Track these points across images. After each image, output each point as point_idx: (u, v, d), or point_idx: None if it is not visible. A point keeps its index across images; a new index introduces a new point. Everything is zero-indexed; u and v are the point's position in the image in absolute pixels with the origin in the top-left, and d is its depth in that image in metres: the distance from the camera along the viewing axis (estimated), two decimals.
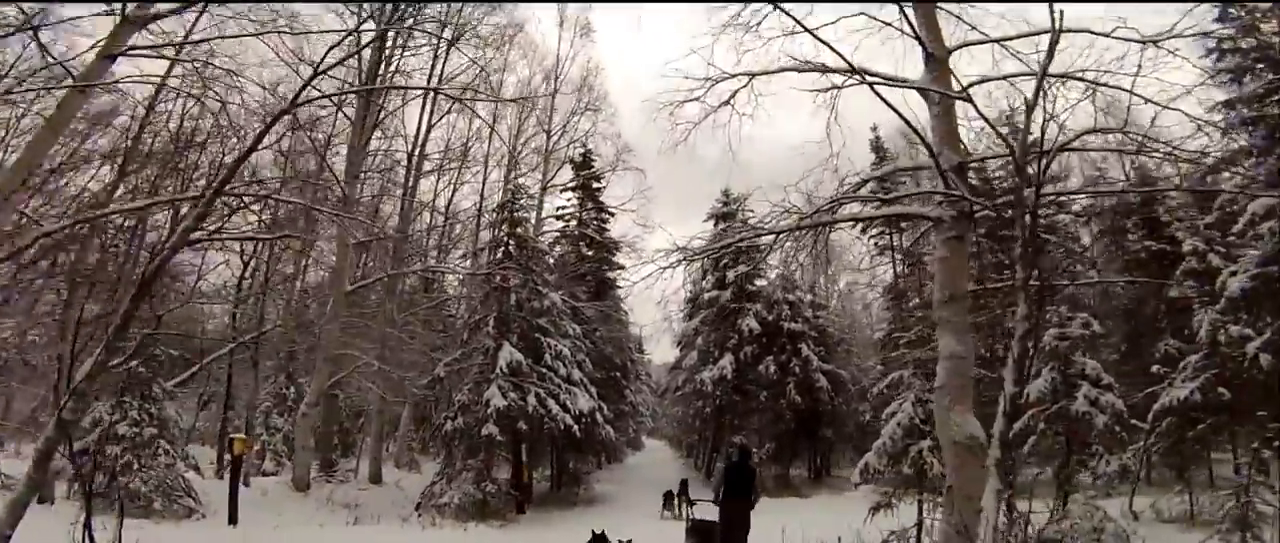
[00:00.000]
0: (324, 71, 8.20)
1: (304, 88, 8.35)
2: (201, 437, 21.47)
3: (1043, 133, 6.34)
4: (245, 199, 12.26)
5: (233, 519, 11.91)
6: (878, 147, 22.21)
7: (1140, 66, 6.65)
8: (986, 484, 5.02)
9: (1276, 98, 11.04)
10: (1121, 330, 16.10)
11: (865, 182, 7.47)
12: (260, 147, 8.72)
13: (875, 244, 23.07)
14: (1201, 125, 6.98)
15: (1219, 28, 10.50)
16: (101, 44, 7.67)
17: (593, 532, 8.58)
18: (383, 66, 16.96)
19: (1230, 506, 7.26)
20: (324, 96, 10.44)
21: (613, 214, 23.71)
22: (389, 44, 16.55)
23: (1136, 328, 16.01)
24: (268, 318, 18.15)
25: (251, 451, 14.66)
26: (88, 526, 7.27)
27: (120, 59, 7.77)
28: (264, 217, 16.14)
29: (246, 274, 16.44)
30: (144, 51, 8.13)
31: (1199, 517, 9.54)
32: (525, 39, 23.28)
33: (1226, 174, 10.62)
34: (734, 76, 7.48)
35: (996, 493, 4.90)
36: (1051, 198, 8.49)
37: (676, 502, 15.30)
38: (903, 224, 22.29)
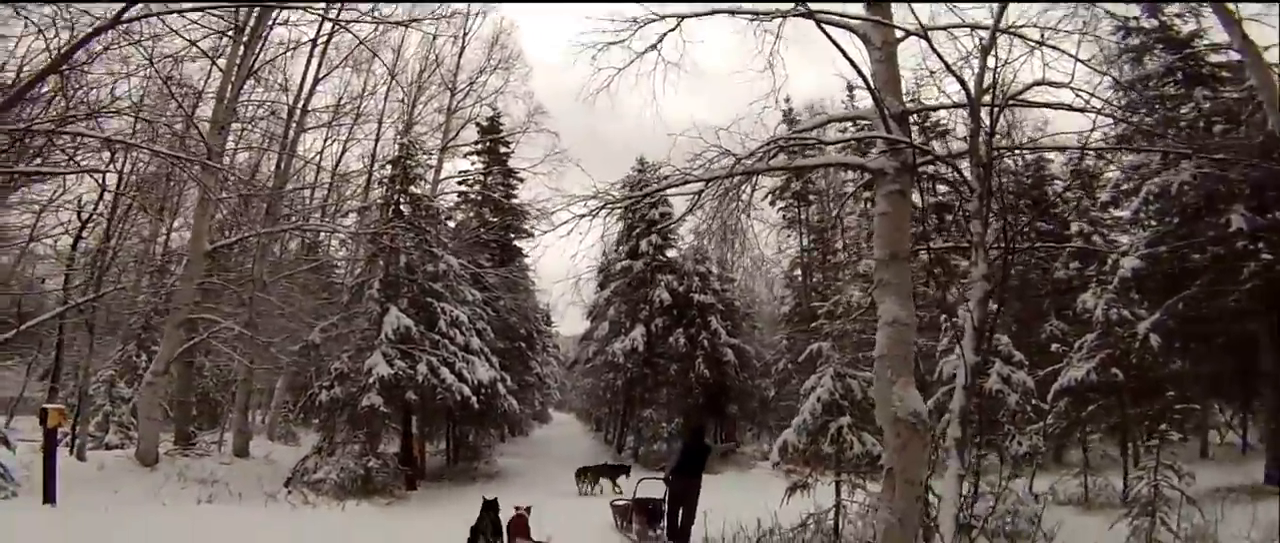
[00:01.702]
0: None
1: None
2: (33, 409, 18.75)
3: (995, 84, 5.93)
4: (78, 141, 10.34)
5: (49, 497, 10.07)
6: (788, 118, 21.99)
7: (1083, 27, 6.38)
8: (940, 466, 4.48)
9: (1174, 78, 11.38)
10: (1012, 310, 16.58)
11: (799, 132, 6.82)
12: (72, 70, 7.02)
13: (783, 217, 23.01)
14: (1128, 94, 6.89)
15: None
16: None
17: (484, 499, 8.04)
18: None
19: (1140, 487, 7.19)
20: (162, 13, 8.64)
21: (521, 180, 22.42)
22: None
23: (1025, 307, 16.54)
24: (108, 280, 15.77)
25: (66, 421, 12.64)
26: None
27: None
28: (110, 169, 13.86)
29: (82, 233, 14.04)
30: None
31: (1095, 500, 9.68)
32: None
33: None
34: (663, 18, 6.66)
35: (958, 478, 4.37)
36: (1006, 150, 8.17)
37: (591, 477, 14.86)
38: (810, 198, 22.46)
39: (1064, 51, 5.97)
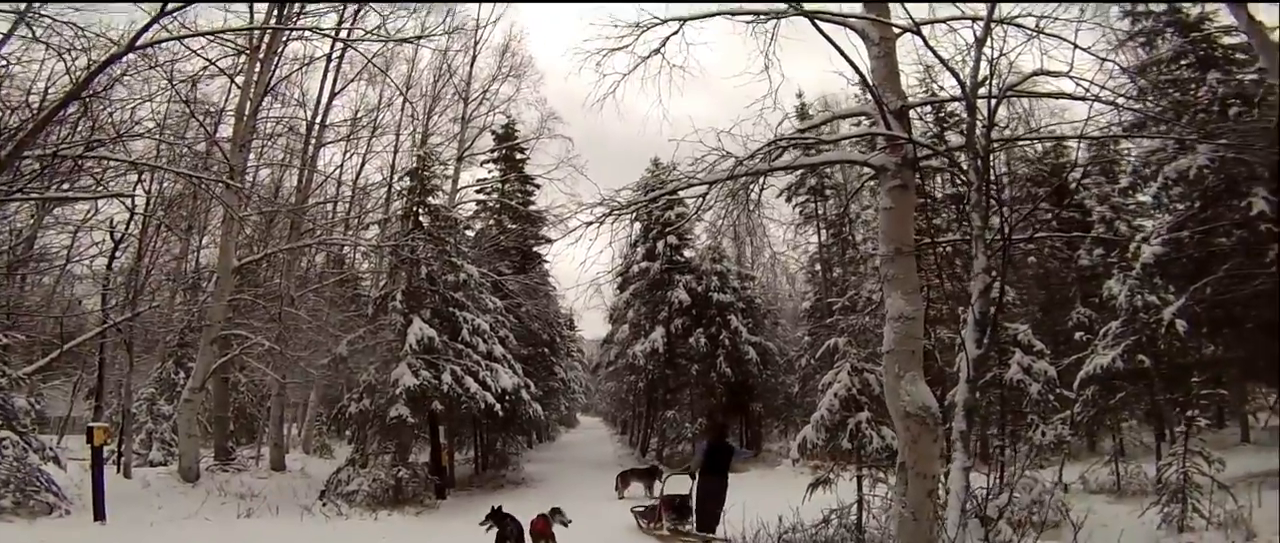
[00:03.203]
0: (173, 10, 6.91)
1: (152, 23, 7.03)
2: (80, 428, 19.38)
3: (991, 75, 5.94)
4: (105, 165, 10.72)
5: (99, 515, 10.48)
6: (802, 113, 21.95)
7: (1082, 15, 6.32)
8: (945, 459, 4.50)
9: (1186, 62, 11.16)
10: (1037, 299, 16.37)
11: (803, 130, 6.87)
12: (94, 97, 7.32)
13: (800, 212, 22.95)
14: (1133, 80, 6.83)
15: None
16: None
17: (491, 508, 8.13)
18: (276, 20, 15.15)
19: (1169, 475, 7.09)
20: (179, 37, 8.94)
21: (537, 186, 22.65)
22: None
23: (1049, 296, 16.32)
24: (144, 299, 16.29)
25: (112, 439, 13.05)
26: None
27: None
28: (139, 189, 14.34)
29: (116, 253, 14.52)
30: None
31: (1127, 487, 9.55)
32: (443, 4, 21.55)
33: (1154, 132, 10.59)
34: (664, 22, 6.76)
35: (964, 470, 4.39)
36: (1004, 142, 8.14)
37: (626, 481, 14.73)
38: (827, 193, 22.36)
39: (1063, 39, 5.94)
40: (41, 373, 14.19)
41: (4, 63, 9.78)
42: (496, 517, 7.98)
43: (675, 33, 6.69)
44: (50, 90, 8.67)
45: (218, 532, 10.55)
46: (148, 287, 17.18)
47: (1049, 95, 6.18)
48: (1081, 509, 7.87)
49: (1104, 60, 6.10)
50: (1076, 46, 5.83)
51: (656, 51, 6.80)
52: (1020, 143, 9.69)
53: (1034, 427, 9.28)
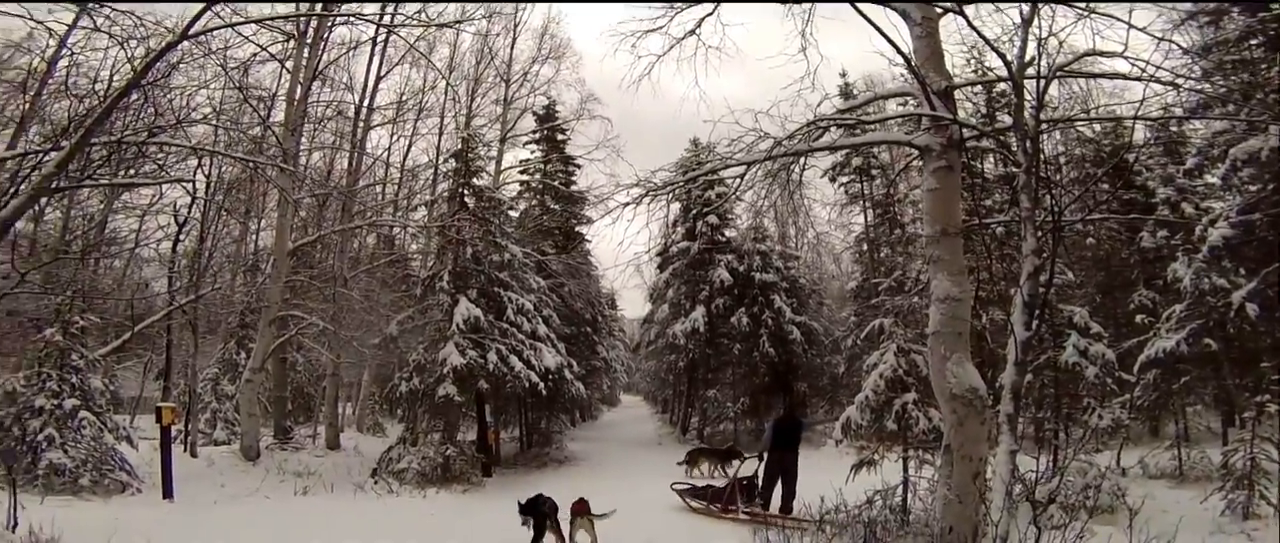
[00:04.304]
0: None
1: (204, 11, 7.25)
2: (151, 408, 20.42)
3: (1039, 56, 5.70)
4: (166, 150, 11.15)
5: (167, 493, 11.08)
6: (846, 92, 21.43)
7: None
8: (993, 442, 4.40)
9: (1255, 41, 10.50)
10: (1095, 280, 15.80)
11: (845, 110, 6.71)
12: (153, 85, 7.60)
13: (845, 192, 22.51)
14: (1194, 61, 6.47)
15: None
16: None
17: (519, 503, 8.09)
18: (319, 8, 15.48)
19: (1235, 460, 6.81)
20: (230, 24, 9.19)
21: (579, 166, 22.75)
22: None
23: (1110, 278, 15.74)
24: (206, 281, 17.02)
25: (179, 419, 13.70)
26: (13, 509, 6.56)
27: None
28: (200, 174, 14.93)
29: (180, 236, 15.17)
30: None
31: (1190, 473, 9.21)
32: None
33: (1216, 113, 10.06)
34: (699, 2, 6.69)
35: (1010, 453, 4.29)
36: (1053, 123, 7.82)
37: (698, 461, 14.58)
38: (873, 173, 21.86)
39: (1117, 19, 5.65)
40: (115, 355, 15.03)
41: (69, 53, 10.26)
42: (529, 508, 7.97)
43: (710, 13, 6.65)
44: (113, 79, 9.03)
45: (276, 509, 11.03)
46: (210, 269, 17.95)
47: (1102, 76, 5.90)
48: (1140, 494, 7.64)
49: (1161, 40, 5.78)
50: (1131, 26, 5.56)
51: (692, 32, 6.76)
52: (1074, 124, 9.25)
53: (1090, 410, 9.00)
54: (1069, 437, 8.92)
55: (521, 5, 21.65)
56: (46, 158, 6.76)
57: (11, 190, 6.76)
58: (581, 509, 8.01)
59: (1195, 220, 11.33)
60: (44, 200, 11.39)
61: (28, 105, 10.94)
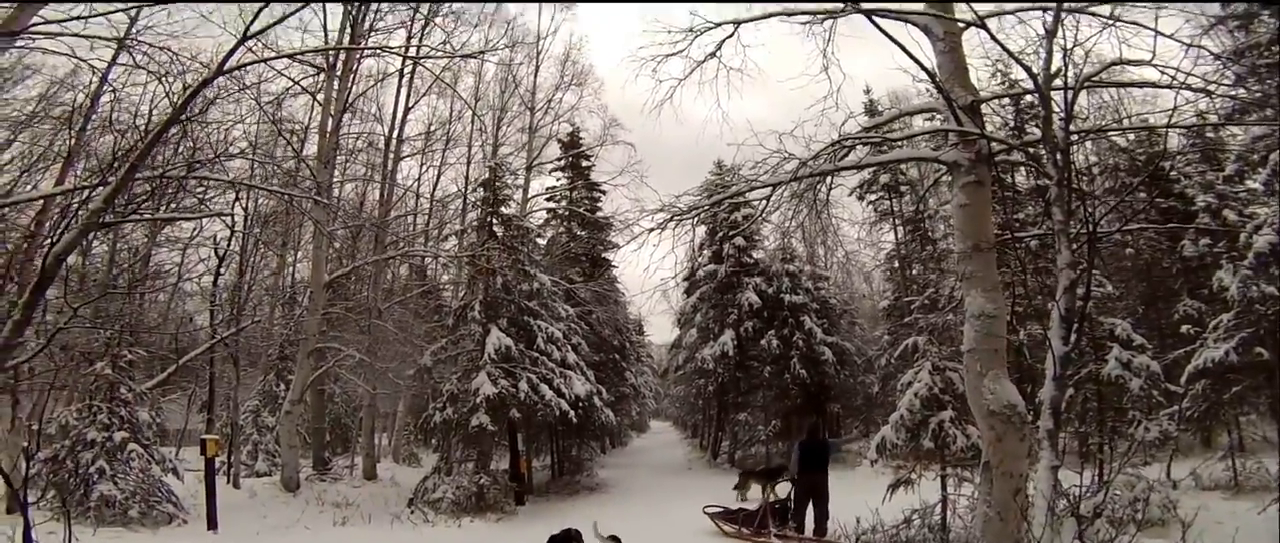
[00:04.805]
0: (256, 34, 7.44)
1: (237, 47, 7.57)
2: (195, 440, 20.84)
3: (1066, 67, 5.67)
4: (206, 185, 11.56)
5: (212, 525, 11.30)
6: (871, 109, 21.41)
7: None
8: (1033, 458, 4.33)
9: None
10: (1137, 291, 15.43)
11: (870, 128, 6.74)
12: (190, 120, 7.91)
13: (874, 210, 22.36)
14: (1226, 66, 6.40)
15: None
16: None
17: (551, 537, 7.73)
18: (347, 41, 16.06)
19: None
20: (262, 60, 9.56)
21: (604, 192, 22.98)
22: (354, 19, 15.57)
23: (1152, 288, 15.37)
24: (246, 314, 17.47)
25: (222, 450, 13.94)
26: (27, 537, 6.71)
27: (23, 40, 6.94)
28: (237, 207, 15.44)
29: (221, 270, 15.63)
30: (51, 30, 7.21)
31: (1245, 483, 8.89)
32: (503, 16, 22.28)
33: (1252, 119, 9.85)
34: (719, 25, 6.81)
35: (1051, 469, 4.22)
36: (1083, 135, 7.75)
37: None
38: (902, 189, 21.72)
39: (1143, 26, 5.61)
40: (160, 387, 15.46)
41: (111, 89, 10.73)
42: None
43: (730, 36, 6.72)
44: (153, 114, 9.41)
45: (316, 540, 11.17)
46: (249, 301, 18.41)
47: (1131, 84, 5.86)
48: (1192, 506, 7.40)
49: (1190, 46, 5.72)
50: (1158, 33, 5.51)
51: (712, 55, 6.85)
52: (1106, 134, 9.13)
53: (1136, 423, 8.76)
54: (1114, 450, 8.67)
55: (543, 36, 22.17)
56: (94, 193, 7.04)
57: (63, 225, 7.05)
58: None
59: (1239, 228, 11.05)
60: (92, 235, 11.84)
61: (74, 141, 11.42)
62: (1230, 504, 8.05)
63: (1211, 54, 6.11)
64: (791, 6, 6.39)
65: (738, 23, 6.72)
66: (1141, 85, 6.00)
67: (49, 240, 7.67)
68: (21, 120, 11.97)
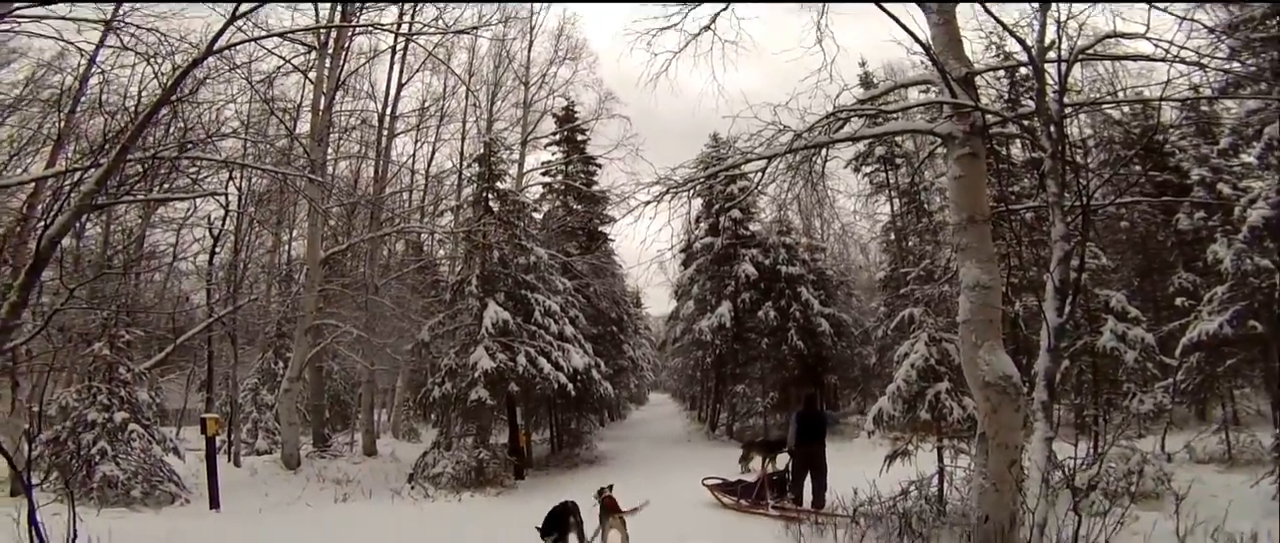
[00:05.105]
0: (246, 13, 7.31)
1: (226, 27, 7.45)
2: (195, 419, 20.93)
3: (1059, 39, 5.60)
4: (198, 164, 11.45)
5: (214, 503, 11.40)
6: (866, 81, 21.20)
7: None
8: (1028, 430, 4.36)
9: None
10: (1132, 264, 15.45)
11: (865, 100, 6.67)
12: (181, 101, 7.81)
13: (870, 182, 22.29)
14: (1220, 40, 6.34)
15: None
16: None
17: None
18: (338, 20, 15.76)
19: None
20: (252, 39, 9.41)
21: (600, 166, 22.87)
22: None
23: (1146, 261, 15.39)
24: (243, 292, 17.44)
25: (222, 429, 14.02)
26: (32, 519, 6.75)
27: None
28: (231, 187, 15.30)
29: (216, 248, 15.54)
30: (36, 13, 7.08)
31: (1239, 457, 8.98)
32: None
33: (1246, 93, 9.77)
34: None
35: (1046, 441, 4.25)
36: (1077, 107, 7.67)
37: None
38: (897, 161, 21.62)
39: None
40: (159, 367, 15.49)
41: (100, 71, 10.57)
42: (550, 525, 7.39)
43: (724, 9, 6.64)
44: (143, 96, 9.29)
45: (318, 517, 11.26)
46: (245, 280, 18.37)
47: (1125, 57, 5.79)
48: (1187, 479, 7.49)
49: (1183, 19, 5.65)
50: (1152, 4, 5.44)
51: (707, 28, 6.78)
52: (1100, 106, 9.06)
53: (1130, 395, 8.81)
54: (1109, 423, 8.73)
55: (536, 8, 21.87)
56: (86, 175, 6.96)
57: (56, 207, 6.99)
58: (612, 506, 7.84)
59: (1233, 201, 11.02)
60: (85, 216, 11.78)
61: (63, 123, 11.29)
62: (1224, 477, 8.13)
63: (1205, 27, 6.04)
64: None
65: None
66: (1135, 58, 5.95)
67: (42, 223, 7.62)
68: (9, 104, 11.80)
